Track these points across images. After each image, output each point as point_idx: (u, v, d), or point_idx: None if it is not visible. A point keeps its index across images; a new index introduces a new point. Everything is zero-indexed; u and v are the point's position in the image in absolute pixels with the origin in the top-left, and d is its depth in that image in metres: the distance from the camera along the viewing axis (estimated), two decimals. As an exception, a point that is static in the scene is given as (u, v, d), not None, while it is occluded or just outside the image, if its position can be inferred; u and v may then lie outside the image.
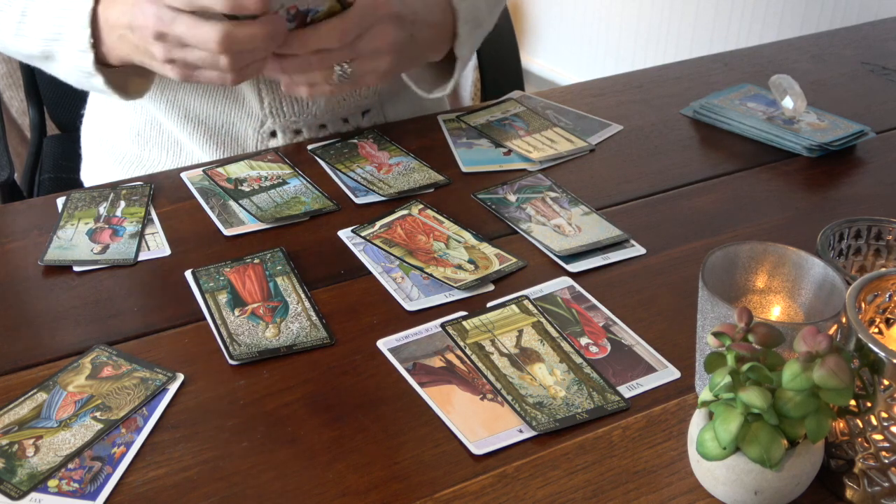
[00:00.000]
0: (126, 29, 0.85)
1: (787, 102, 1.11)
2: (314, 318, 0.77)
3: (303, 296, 0.80)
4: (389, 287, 0.81)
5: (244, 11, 0.78)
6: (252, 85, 1.02)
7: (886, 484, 0.59)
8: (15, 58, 0.99)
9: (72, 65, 0.91)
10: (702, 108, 1.12)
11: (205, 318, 0.77)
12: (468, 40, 1.00)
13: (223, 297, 0.79)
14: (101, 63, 0.90)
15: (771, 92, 1.15)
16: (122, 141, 1.10)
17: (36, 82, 1.47)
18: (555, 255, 0.86)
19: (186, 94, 1.03)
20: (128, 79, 0.93)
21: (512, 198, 0.95)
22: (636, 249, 0.87)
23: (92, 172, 1.16)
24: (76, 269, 0.83)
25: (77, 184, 1.18)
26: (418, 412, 0.68)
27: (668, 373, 0.73)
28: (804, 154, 1.05)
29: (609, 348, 0.75)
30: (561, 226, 0.90)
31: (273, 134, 1.06)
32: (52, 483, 0.62)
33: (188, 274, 0.82)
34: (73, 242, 0.86)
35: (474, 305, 0.79)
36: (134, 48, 0.86)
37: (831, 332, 0.62)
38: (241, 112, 1.04)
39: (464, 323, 0.77)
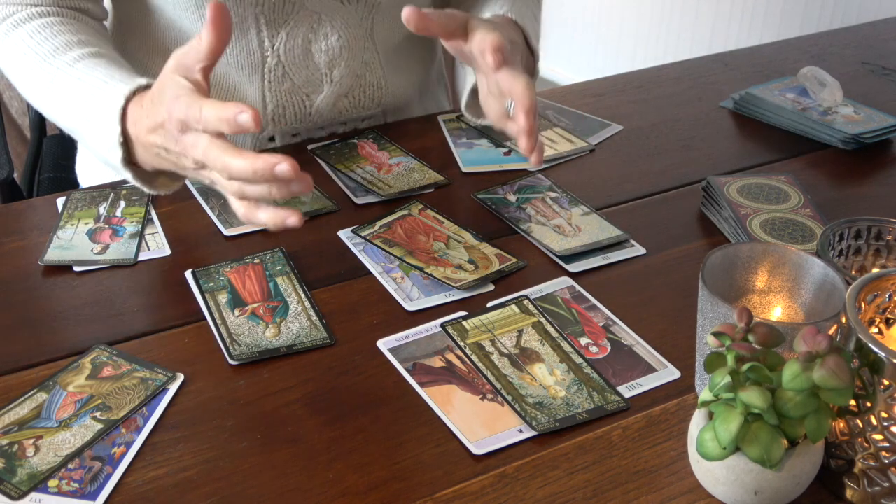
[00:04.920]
0: (158, 148, 0.78)
1: (826, 94, 1.11)
2: (314, 318, 0.77)
3: (303, 296, 0.80)
4: (389, 287, 0.81)
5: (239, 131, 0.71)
6: (257, 91, 1.01)
7: (886, 484, 0.59)
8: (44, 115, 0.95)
9: (98, 152, 0.86)
10: (741, 99, 1.14)
11: (205, 318, 0.77)
12: (538, 56, 1.00)
13: (223, 297, 0.79)
14: (130, 161, 0.83)
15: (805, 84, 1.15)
16: None
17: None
18: (555, 255, 0.86)
19: None
20: (155, 177, 0.86)
21: (512, 198, 0.95)
22: (636, 249, 0.87)
23: (87, 168, 1.16)
24: (76, 269, 0.83)
25: (76, 184, 1.18)
26: (418, 412, 0.68)
27: (668, 373, 0.73)
28: (840, 146, 1.06)
29: (609, 348, 0.75)
30: (561, 226, 0.90)
31: (272, 139, 1.06)
32: (52, 483, 0.62)
33: (188, 274, 0.82)
34: (73, 242, 0.86)
35: (474, 305, 0.79)
36: (165, 162, 0.80)
37: (831, 332, 0.62)
38: None
39: (464, 323, 0.77)
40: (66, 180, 1.30)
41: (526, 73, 0.89)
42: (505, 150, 1.04)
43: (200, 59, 0.74)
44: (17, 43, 0.92)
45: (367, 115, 1.09)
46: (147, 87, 0.81)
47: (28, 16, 0.92)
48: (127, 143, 0.81)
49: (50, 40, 0.90)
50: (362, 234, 0.88)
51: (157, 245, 0.86)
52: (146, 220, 0.90)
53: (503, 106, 0.85)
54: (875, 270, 0.76)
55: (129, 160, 0.82)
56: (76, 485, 0.62)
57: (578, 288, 0.82)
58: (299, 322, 0.77)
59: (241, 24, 0.97)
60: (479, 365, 0.72)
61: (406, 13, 0.80)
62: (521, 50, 0.92)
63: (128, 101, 0.81)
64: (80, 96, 0.86)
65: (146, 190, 0.85)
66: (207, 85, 0.75)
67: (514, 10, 0.97)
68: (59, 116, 0.90)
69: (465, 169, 1.00)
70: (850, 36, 1.41)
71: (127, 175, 0.83)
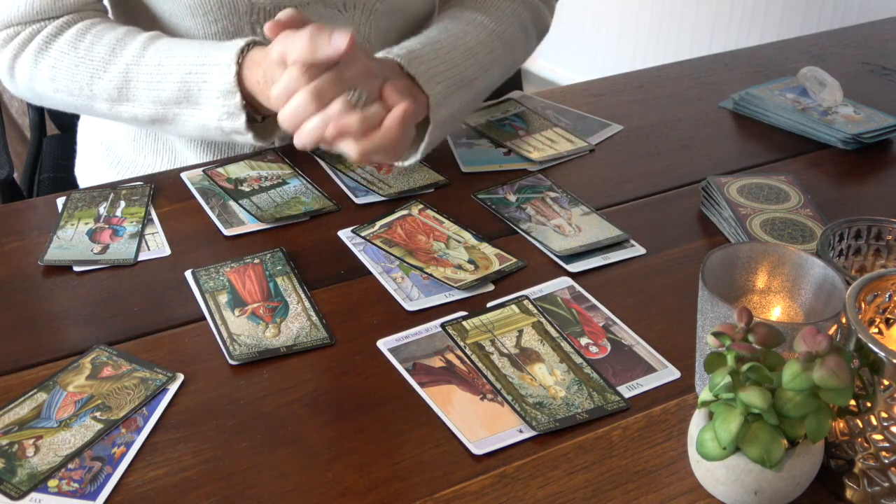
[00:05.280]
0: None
1: (826, 94, 1.11)
2: (314, 318, 0.77)
3: (303, 296, 0.80)
4: (389, 287, 0.81)
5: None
6: None
7: (886, 484, 0.59)
8: (110, 119, 0.98)
9: (208, 124, 0.90)
10: (741, 99, 1.14)
11: (205, 318, 0.77)
12: (446, 102, 0.91)
13: (223, 297, 0.79)
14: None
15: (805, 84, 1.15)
16: (118, 144, 1.10)
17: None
18: (555, 255, 0.86)
19: None
20: (276, 130, 0.91)
21: (512, 198, 0.95)
22: (636, 249, 0.87)
23: (86, 172, 1.16)
24: (76, 269, 0.83)
25: (76, 184, 1.18)
26: (418, 412, 0.68)
27: (668, 373, 0.73)
28: (840, 146, 1.06)
29: (609, 348, 0.75)
30: (561, 226, 0.90)
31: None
32: (52, 483, 0.62)
33: (188, 274, 0.82)
34: (73, 242, 0.86)
35: (474, 305, 0.79)
36: None
37: (831, 332, 0.62)
38: None
39: (464, 323, 0.77)
40: (66, 180, 1.30)
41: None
42: (505, 150, 1.04)
43: (306, 58, 0.78)
44: (58, 59, 0.91)
45: None
46: (246, 46, 0.87)
47: (55, 30, 0.92)
48: (248, 104, 0.87)
49: (97, 44, 0.91)
50: (362, 234, 0.88)
51: (157, 245, 0.86)
52: (146, 220, 0.90)
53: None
54: (876, 270, 0.76)
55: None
56: (76, 485, 0.62)
57: (578, 288, 0.82)
58: (299, 322, 0.77)
59: (237, 33, 0.96)
60: (479, 365, 0.72)
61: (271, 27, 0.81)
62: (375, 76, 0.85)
63: (239, 65, 0.86)
64: (173, 80, 0.88)
65: (262, 144, 0.92)
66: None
67: (418, 46, 0.91)
68: (145, 110, 0.91)
69: (465, 169, 1.00)
70: (850, 36, 1.41)
71: (245, 139, 0.89)
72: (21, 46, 0.93)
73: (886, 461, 0.59)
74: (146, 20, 1.01)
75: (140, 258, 0.85)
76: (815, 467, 0.59)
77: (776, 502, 0.59)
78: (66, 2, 0.93)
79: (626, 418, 0.69)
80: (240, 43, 0.88)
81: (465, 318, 0.77)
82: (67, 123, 1.42)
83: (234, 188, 0.94)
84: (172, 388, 0.70)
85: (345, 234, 0.88)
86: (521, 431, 0.67)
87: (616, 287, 0.82)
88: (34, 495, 0.61)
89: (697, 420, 0.61)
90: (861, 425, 0.59)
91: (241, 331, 0.75)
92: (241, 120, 0.88)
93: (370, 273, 0.83)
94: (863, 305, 0.63)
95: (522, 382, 0.71)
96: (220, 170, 0.98)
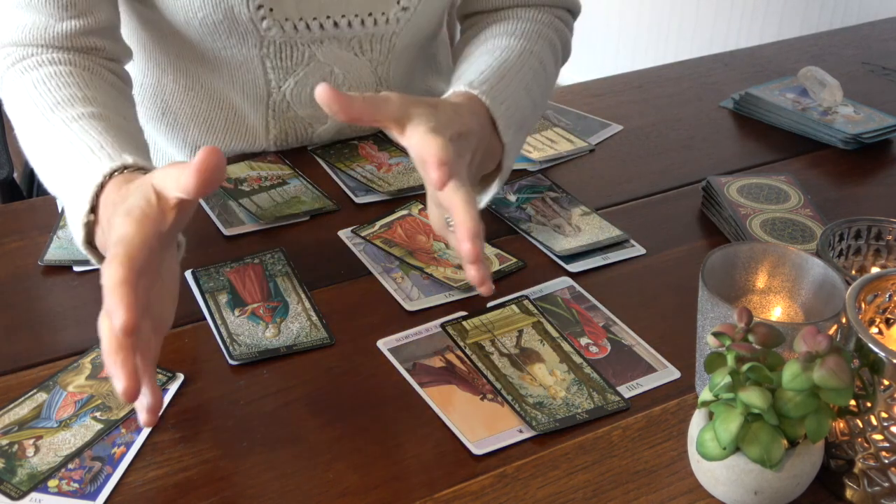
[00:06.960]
0: None
1: (826, 94, 1.11)
2: (314, 318, 0.77)
3: (303, 296, 0.80)
4: (389, 287, 0.81)
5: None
6: (261, 116, 1.00)
7: (886, 484, 0.59)
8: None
9: (70, 225, 0.76)
10: (741, 99, 1.14)
11: (205, 318, 0.77)
12: (513, 148, 0.83)
13: (223, 297, 0.79)
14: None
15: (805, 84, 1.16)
16: None
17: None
18: (555, 255, 0.86)
19: (188, 122, 1.02)
20: None
21: (512, 198, 0.95)
22: (636, 249, 0.87)
23: None
24: (76, 269, 0.83)
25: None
26: (418, 412, 0.68)
27: (668, 373, 0.73)
28: (840, 146, 1.06)
29: (609, 348, 0.75)
30: (561, 226, 0.90)
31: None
32: (52, 483, 0.62)
33: (188, 274, 0.82)
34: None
35: (474, 305, 0.79)
36: None
37: (831, 332, 0.62)
38: (243, 143, 1.02)
39: (464, 323, 0.77)
40: (66, 180, 1.30)
41: (473, 179, 0.74)
42: (505, 150, 1.04)
43: (179, 191, 0.63)
44: (26, 89, 0.83)
45: (367, 132, 1.08)
46: (137, 168, 0.71)
47: (39, 62, 0.84)
48: (94, 223, 0.71)
49: (54, 92, 0.81)
50: (362, 234, 0.88)
51: (157, 245, 0.86)
52: (146, 220, 0.89)
53: (444, 217, 0.76)
54: (875, 270, 0.76)
55: (90, 242, 0.72)
56: (76, 485, 0.62)
57: (578, 288, 0.82)
58: (299, 322, 0.77)
59: (245, 63, 0.94)
60: (479, 365, 0.72)
61: (322, 93, 0.67)
62: (477, 140, 0.76)
63: (106, 179, 0.70)
64: (66, 162, 0.76)
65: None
66: (176, 214, 0.64)
67: (493, 78, 0.82)
68: (45, 178, 0.81)
69: (465, 169, 1.00)
70: (850, 36, 1.41)
71: (90, 257, 0.74)
72: (8, 65, 0.85)
73: (886, 461, 0.59)
74: (174, 43, 0.98)
75: (140, 258, 0.84)
76: (815, 467, 0.59)
77: (776, 502, 0.59)
78: (57, 32, 0.84)
79: (626, 418, 0.69)
80: (127, 160, 0.71)
81: (465, 318, 0.77)
82: (67, 123, 1.42)
83: (234, 188, 0.94)
84: (172, 388, 0.70)
85: (345, 234, 0.88)
86: (521, 431, 0.67)
87: (616, 287, 0.82)
88: (34, 495, 0.61)
89: (697, 420, 0.61)
90: (861, 425, 0.59)
91: (241, 331, 0.75)
92: (80, 237, 0.72)
93: (370, 273, 0.83)
94: (863, 305, 0.63)
95: (522, 382, 0.71)
96: (220, 170, 0.97)
